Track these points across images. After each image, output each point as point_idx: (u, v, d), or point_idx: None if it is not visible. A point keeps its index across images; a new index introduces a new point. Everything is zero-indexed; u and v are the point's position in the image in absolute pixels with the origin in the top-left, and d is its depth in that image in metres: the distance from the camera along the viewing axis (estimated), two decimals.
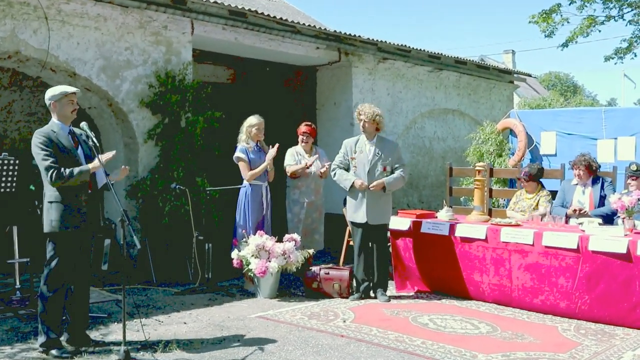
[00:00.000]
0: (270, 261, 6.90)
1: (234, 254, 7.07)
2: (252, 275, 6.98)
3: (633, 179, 7.02)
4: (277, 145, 7.60)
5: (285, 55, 10.08)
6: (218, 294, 7.20)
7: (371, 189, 6.83)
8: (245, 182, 7.51)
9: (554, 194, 7.92)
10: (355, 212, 7.01)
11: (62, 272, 5.07)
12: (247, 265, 6.94)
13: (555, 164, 9.26)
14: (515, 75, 14.80)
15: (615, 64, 19.43)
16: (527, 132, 9.74)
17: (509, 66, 32.78)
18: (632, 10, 17.14)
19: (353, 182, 6.90)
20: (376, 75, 11.12)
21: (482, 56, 38.79)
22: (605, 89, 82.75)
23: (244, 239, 7.16)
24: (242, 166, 7.49)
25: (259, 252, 6.93)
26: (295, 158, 7.96)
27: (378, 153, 6.94)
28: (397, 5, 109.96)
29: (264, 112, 7.95)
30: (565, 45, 17.65)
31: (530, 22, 17.16)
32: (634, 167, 7.06)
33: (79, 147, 5.21)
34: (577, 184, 7.53)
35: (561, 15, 17.01)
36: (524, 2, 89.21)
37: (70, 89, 5.20)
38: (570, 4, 16.84)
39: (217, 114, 8.33)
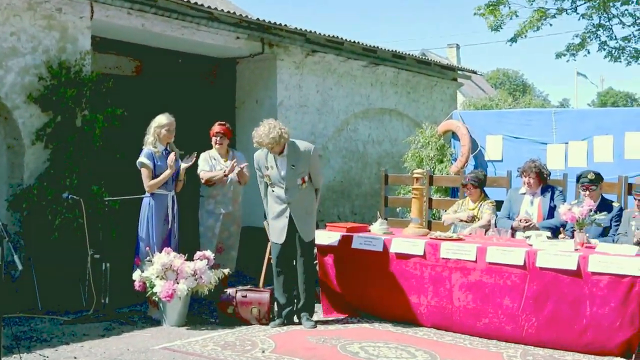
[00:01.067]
0: (178, 283, 6.70)
1: (136, 275, 6.85)
2: (156, 299, 6.77)
3: (588, 188, 7.09)
4: (194, 154, 7.49)
5: (200, 46, 9.90)
6: (116, 323, 6.96)
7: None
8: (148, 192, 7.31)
9: (499, 204, 7.98)
10: (275, 227, 6.93)
11: None
12: (151, 288, 6.72)
13: (501, 170, 9.35)
14: (459, 72, 15.01)
15: (568, 61, 19.99)
16: (471, 136, 9.82)
17: (453, 62, 33.41)
18: (585, 2, 17.64)
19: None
20: (304, 70, 11.05)
21: (424, 50, 39.42)
22: (557, 88, 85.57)
23: (148, 258, 6.94)
24: (144, 173, 7.27)
25: (165, 272, 6.73)
26: (210, 163, 7.78)
27: (292, 166, 6.82)
28: None
29: (176, 111, 7.74)
30: (513, 40, 18.04)
31: (475, 14, 17.45)
32: (591, 176, 7.12)
33: None
34: (524, 193, 7.60)
35: (509, 8, 17.36)
36: None
37: None
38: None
39: (118, 111, 8.08)
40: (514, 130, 9.71)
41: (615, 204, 7.28)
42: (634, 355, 5.71)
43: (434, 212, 9.51)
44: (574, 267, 5.91)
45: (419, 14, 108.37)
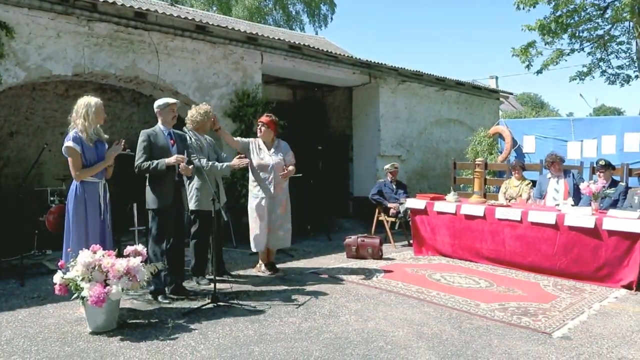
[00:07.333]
0: (108, 285, 3.96)
1: (57, 278, 4.02)
2: (82, 303, 4.05)
3: (601, 172, 6.67)
4: (122, 140, 4.60)
5: (329, 79, 9.89)
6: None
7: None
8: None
9: (534, 182, 7.68)
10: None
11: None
12: (77, 290, 3.96)
13: (534, 159, 8.97)
14: (500, 94, 14.43)
15: (578, 83, 18.71)
16: (512, 136, 9.44)
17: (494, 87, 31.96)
18: (590, 45, 16.52)
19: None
20: (397, 94, 10.91)
21: (474, 80, 38.03)
22: (565, 105, 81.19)
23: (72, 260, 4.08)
24: (72, 159, 4.41)
25: (92, 273, 3.97)
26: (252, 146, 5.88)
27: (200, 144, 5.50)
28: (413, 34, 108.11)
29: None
30: (539, 72, 17.03)
31: (513, 55, 16.48)
32: (602, 162, 6.71)
33: None
34: (550, 177, 7.25)
35: (536, 49, 16.37)
36: (506, 38, 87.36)
37: None
38: (545, 44, 16.16)
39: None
40: (543, 132, 9.24)
41: (622, 183, 6.83)
42: (634, 288, 5.41)
43: (487, 187, 9.23)
44: (592, 226, 5.64)
45: (468, 54, 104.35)
